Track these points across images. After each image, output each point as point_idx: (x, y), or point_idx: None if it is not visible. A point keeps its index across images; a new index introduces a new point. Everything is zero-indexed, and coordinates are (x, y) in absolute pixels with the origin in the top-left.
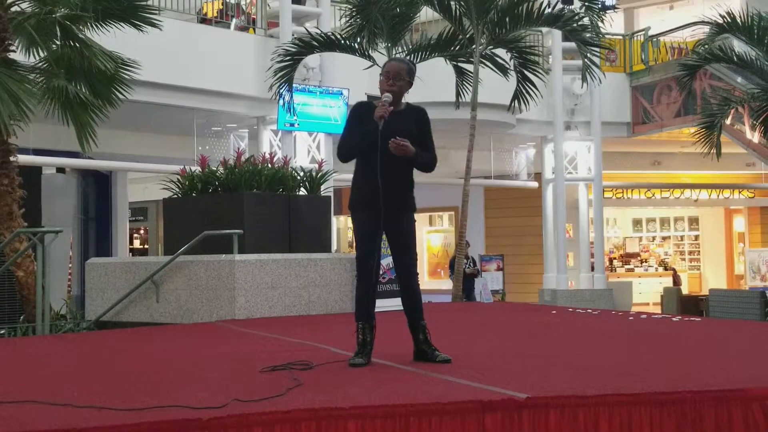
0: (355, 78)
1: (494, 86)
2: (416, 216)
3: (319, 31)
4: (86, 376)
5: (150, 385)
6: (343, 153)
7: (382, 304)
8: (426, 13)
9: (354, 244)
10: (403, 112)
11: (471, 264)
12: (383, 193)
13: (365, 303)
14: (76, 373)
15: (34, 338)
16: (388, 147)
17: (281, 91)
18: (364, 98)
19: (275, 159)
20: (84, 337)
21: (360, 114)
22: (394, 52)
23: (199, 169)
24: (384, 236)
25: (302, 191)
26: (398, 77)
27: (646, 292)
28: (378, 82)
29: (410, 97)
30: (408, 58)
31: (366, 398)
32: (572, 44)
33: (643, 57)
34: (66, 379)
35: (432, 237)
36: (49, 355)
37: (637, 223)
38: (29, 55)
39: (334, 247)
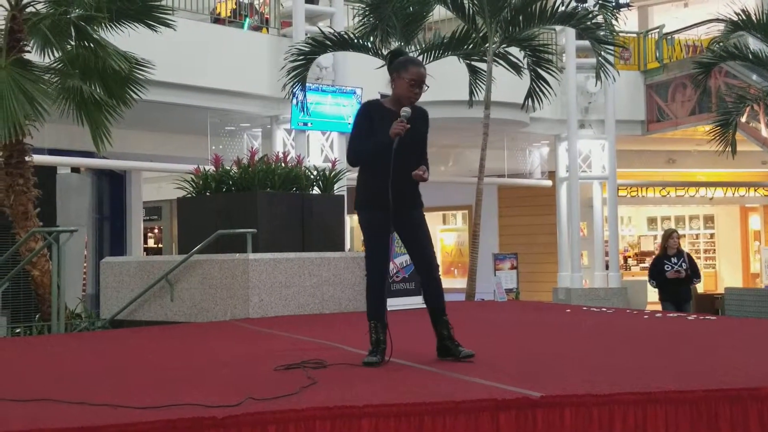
0: (368, 77)
1: (508, 85)
2: (429, 215)
3: (332, 31)
4: (101, 374)
5: (165, 383)
6: (353, 160)
7: (396, 303)
8: (439, 12)
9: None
10: (413, 116)
11: (683, 264)
12: (394, 200)
13: (377, 302)
14: (90, 371)
15: (50, 337)
16: (400, 160)
17: (294, 90)
18: (378, 97)
19: (288, 158)
20: (99, 336)
21: (369, 115)
22: (407, 51)
23: (212, 168)
24: (396, 236)
25: (316, 190)
26: (422, 84)
27: None
28: (389, 81)
29: (424, 95)
30: (420, 58)
31: (380, 397)
32: (586, 42)
33: (657, 55)
34: (81, 377)
35: (445, 236)
36: (64, 354)
37: (651, 221)
38: (44, 56)
39: (347, 245)
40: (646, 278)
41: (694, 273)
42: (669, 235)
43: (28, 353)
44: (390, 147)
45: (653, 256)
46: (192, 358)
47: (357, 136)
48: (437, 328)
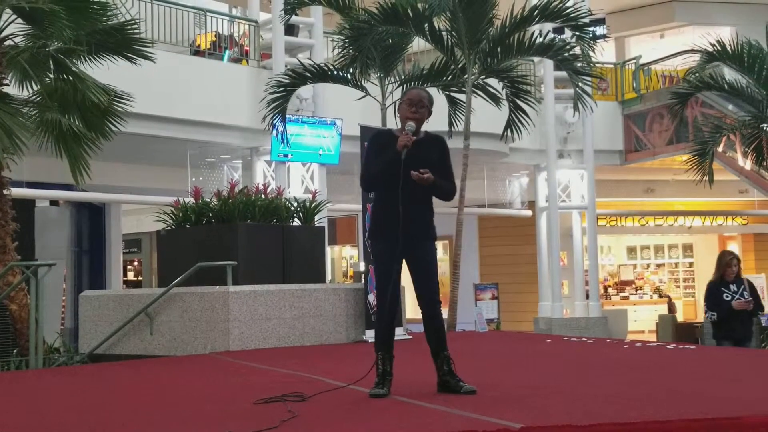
0: (348, 108)
1: (487, 115)
2: None
3: (311, 62)
4: (80, 410)
5: (144, 418)
6: (366, 184)
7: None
8: (418, 44)
9: (373, 274)
10: (424, 141)
11: (744, 293)
12: (404, 222)
13: (385, 334)
14: (69, 407)
15: (28, 372)
16: (410, 176)
17: (274, 122)
18: (357, 129)
19: (269, 189)
20: (78, 371)
21: (380, 142)
22: (386, 83)
23: (192, 200)
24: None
25: (296, 222)
26: (420, 104)
27: (641, 320)
28: (369, 111)
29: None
30: (399, 89)
31: (359, 429)
32: (564, 73)
33: (634, 85)
34: (59, 413)
35: None
36: (42, 390)
37: (631, 250)
38: (23, 89)
39: (328, 277)
40: (627, 307)
41: (757, 303)
42: (728, 262)
43: (5, 389)
44: (399, 161)
45: (708, 283)
46: (171, 393)
47: (368, 158)
48: (437, 362)
